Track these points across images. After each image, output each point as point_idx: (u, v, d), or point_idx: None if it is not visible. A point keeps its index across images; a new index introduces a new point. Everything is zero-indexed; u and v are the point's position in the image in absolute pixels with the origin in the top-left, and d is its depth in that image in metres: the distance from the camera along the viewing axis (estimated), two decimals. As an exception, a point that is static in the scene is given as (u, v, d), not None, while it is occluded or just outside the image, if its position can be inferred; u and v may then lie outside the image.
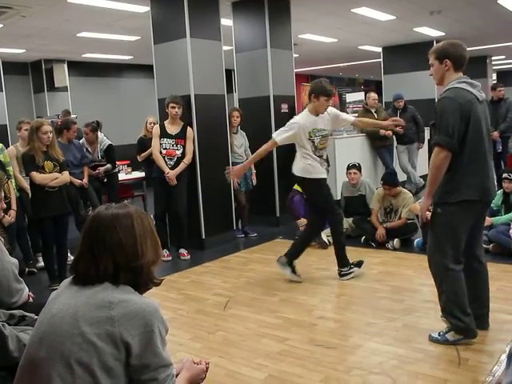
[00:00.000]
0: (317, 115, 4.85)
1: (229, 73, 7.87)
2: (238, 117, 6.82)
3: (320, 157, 4.95)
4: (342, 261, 5.02)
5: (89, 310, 1.56)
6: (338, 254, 5.03)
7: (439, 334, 3.53)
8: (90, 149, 6.86)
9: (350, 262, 5.05)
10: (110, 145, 6.94)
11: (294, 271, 4.99)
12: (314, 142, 4.85)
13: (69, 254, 5.34)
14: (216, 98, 6.50)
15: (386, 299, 4.38)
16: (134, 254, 1.66)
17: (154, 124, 7.12)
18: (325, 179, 5.04)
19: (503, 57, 16.40)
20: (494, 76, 18.53)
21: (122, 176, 7.70)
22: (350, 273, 4.98)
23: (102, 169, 6.75)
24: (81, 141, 6.86)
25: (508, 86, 15.37)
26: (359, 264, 5.08)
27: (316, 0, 7.81)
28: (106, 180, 6.87)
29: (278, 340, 3.66)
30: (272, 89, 7.37)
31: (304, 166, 4.89)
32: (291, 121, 4.92)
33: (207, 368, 1.95)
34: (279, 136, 4.84)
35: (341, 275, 4.98)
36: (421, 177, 9.79)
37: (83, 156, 6.46)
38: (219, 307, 4.37)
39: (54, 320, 1.59)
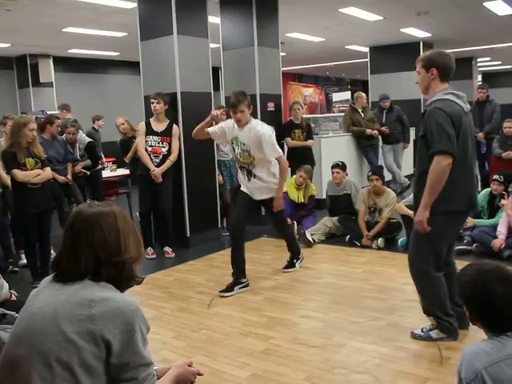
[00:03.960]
0: (240, 126, 4.70)
1: (215, 70, 7.84)
2: (223, 115, 6.78)
3: (241, 167, 4.85)
4: None
5: (69, 308, 1.55)
6: None
7: (422, 331, 3.57)
8: (70, 148, 6.78)
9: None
10: (90, 142, 6.90)
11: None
12: (234, 150, 4.83)
13: (52, 251, 5.29)
14: (202, 95, 6.48)
15: (370, 298, 4.40)
16: (117, 249, 1.66)
17: (123, 124, 7.10)
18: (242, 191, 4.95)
19: (488, 58, 16.56)
20: (480, 77, 18.70)
21: (106, 173, 7.65)
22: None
23: (79, 165, 6.68)
24: (63, 137, 6.79)
25: (494, 87, 15.60)
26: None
27: (304, -1, 7.83)
28: (88, 174, 6.81)
29: (262, 339, 3.66)
30: (259, 87, 7.36)
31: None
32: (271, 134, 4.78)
33: (198, 375, 1.92)
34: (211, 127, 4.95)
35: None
36: (406, 176, 9.86)
37: (67, 152, 6.39)
38: (203, 305, 4.36)
39: (34, 318, 1.58)
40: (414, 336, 3.59)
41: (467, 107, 3.35)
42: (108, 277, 1.64)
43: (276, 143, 4.80)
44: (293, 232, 5.70)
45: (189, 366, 1.90)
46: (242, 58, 7.45)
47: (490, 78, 18.99)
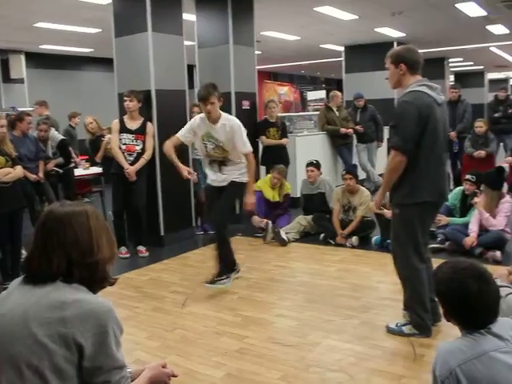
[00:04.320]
0: (211, 122, 4.55)
1: (190, 68, 7.79)
2: (198, 113, 6.72)
3: (211, 162, 4.72)
4: None
5: (40, 311, 1.51)
6: None
7: (396, 325, 3.63)
8: (42, 145, 6.66)
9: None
10: (63, 139, 6.79)
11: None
12: (206, 147, 4.63)
13: (22, 251, 5.19)
14: (177, 93, 6.43)
15: (345, 296, 4.42)
16: (90, 249, 1.62)
17: (92, 123, 7.02)
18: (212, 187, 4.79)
19: (461, 59, 16.79)
20: (452, 77, 18.96)
21: (79, 171, 7.53)
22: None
23: (51, 163, 6.56)
24: (34, 134, 6.66)
25: (466, 87, 15.82)
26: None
27: (279, -3, 7.83)
28: (61, 172, 6.69)
29: (237, 338, 3.64)
30: (234, 85, 7.33)
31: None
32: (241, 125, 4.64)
33: (172, 376, 1.89)
34: (180, 132, 4.73)
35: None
36: (380, 175, 9.93)
37: (39, 150, 6.28)
38: (177, 305, 4.32)
39: (3, 321, 1.54)
40: (388, 329, 3.65)
41: (441, 98, 3.42)
42: (80, 278, 1.60)
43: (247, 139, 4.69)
44: (229, 244, 4.81)
45: (163, 367, 1.87)
46: (217, 55, 7.42)
47: (462, 78, 19.26)
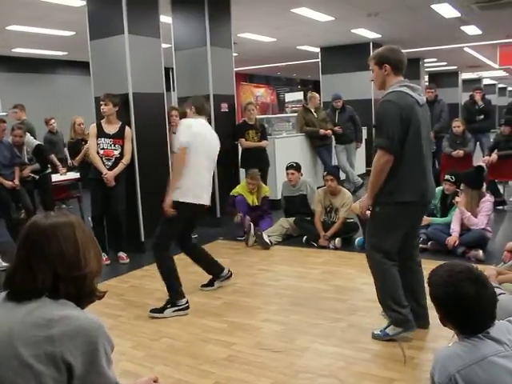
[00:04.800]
0: None
1: (166, 71, 7.70)
2: (177, 116, 6.66)
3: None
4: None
5: (25, 330, 1.42)
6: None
7: (380, 331, 3.59)
8: (18, 152, 6.50)
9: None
10: (39, 145, 6.64)
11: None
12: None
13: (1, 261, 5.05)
14: (155, 96, 6.33)
15: (330, 299, 4.38)
16: (76, 263, 1.53)
17: (82, 124, 6.89)
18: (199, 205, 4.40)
19: (435, 59, 16.97)
20: (426, 78, 19.17)
21: (56, 177, 7.37)
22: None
23: (27, 169, 6.40)
24: (9, 139, 6.50)
25: (440, 87, 16.00)
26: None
27: (256, -1, 7.79)
28: (37, 178, 6.54)
29: (224, 345, 3.58)
30: (212, 88, 7.27)
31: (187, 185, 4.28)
32: (186, 124, 4.34)
33: None
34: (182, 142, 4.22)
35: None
36: (359, 175, 9.98)
37: (14, 156, 6.15)
38: (161, 312, 4.23)
39: None
40: (374, 336, 3.61)
41: (422, 99, 3.42)
42: (67, 293, 1.51)
43: None
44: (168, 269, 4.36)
45: (154, 381, 1.80)
46: (194, 58, 7.35)
47: (436, 79, 19.47)
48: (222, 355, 3.42)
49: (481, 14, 9.46)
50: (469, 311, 1.84)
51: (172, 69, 7.67)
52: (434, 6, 8.90)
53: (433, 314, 3.69)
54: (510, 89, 34.18)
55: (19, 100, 9.01)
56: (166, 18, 7.33)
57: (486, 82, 26.30)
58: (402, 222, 3.45)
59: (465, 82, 22.42)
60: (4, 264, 6.16)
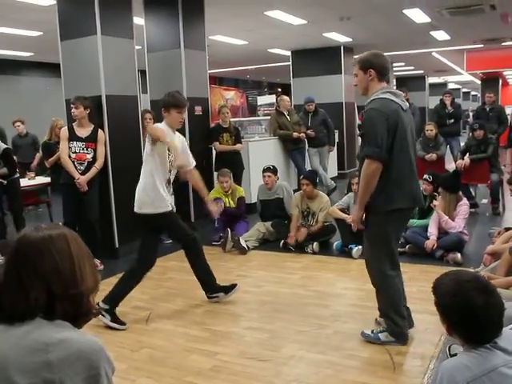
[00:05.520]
0: (173, 131, 4.23)
1: (139, 73, 7.55)
2: (150, 119, 6.52)
3: (168, 181, 4.20)
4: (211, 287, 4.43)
5: (20, 356, 1.29)
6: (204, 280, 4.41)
7: (372, 332, 3.57)
8: None
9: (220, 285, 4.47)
10: (7, 148, 6.38)
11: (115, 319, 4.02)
12: (168, 159, 4.13)
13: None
14: (129, 99, 6.17)
15: (312, 305, 4.32)
16: (73, 279, 1.40)
17: (62, 127, 6.68)
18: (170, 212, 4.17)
19: (403, 63, 17.16)
20: (394, 81, 19.39)
21: (24, 182, 7.13)
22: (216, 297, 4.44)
23: None
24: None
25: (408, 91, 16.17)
26: (227, 289, 4.44)
27: (230, 1, 7.68)
28: (5, 183, 6.28)
29: (208, 355, 3.47)
30: (186, 90, 7.14)
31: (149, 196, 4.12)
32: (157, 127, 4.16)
33: None
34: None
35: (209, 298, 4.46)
36: (331, 179, 9.97)
37: (-20, 160, 5.92)
38: (141, 321, 4.09)
39: None
40: (363, 335, 3.58)
41: (406, 105, 3.40)
42: (63, 313, 1.38)
43: None
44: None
45: None
46: (167, 60, 7.23)
47: (404, 82, 19.70)
48: (207, 365, 3.31)
49: (450, 19, 9.58)
50: (477, 321, 1.79)
51: (143, 71, 7.51)
52: (405, 11, 8.97)
53: (417, 318, 3.70)
54: (473, 93, 34.97)
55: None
56: (137, 20, 7.17)
57: (450, 86, 26.80)
58: (397, 228, 3.46)
59: (431, 86, 22.80)
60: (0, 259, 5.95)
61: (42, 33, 8.92)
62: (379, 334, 3.54)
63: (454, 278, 1.87)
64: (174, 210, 4.26)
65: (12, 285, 1.36)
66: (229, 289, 4.44)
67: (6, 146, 6.39)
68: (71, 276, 1.40)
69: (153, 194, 4.08)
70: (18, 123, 8.31)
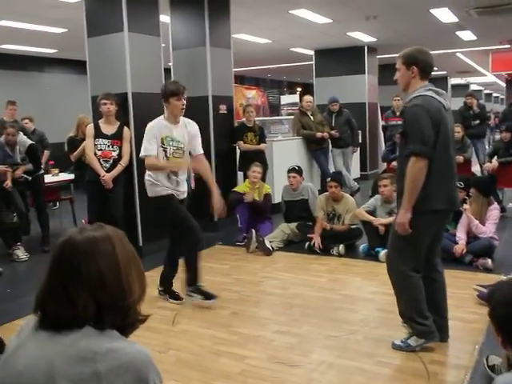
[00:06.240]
0: (174, 123, 4.29)
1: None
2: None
3: (169, 174, 4.30)
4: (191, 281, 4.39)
5: (68, 365, 1.21)
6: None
7: (402, 341, 3.46)
8: (9, 151, 6.24)
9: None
10: (32, 144, 6.37)
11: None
12: (166, 152, 4.24)
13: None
14: (154, 96, 6.09)
15: (341, 309, 4.23)
16: (120, 291, 1.31)
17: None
18: (169, 196, 4.31)
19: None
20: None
21: (48, 178, 7.12)
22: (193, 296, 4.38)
23: (20, 169, 6.14)
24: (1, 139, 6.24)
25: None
26: (207, 296, 4.37)
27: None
28: (30, 179, 6.27)
29: (236, 358, 3.40)
30: (211, 89, 7.08)
31: (147, 181, 4.35)
32: (147, 127, 4.30)
33: None
34: (148, 151, 4.19)
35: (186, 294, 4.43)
36: (355, 180, 9.86)
37: (5, 156, 5.92)
38: (167, 322, 4.04)
39: (22, 380, 1.23)
40: (394, 346, 3.47)
41: (448, 104, 3.29)
42: (112, 323, 1.30)
43: None
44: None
45: None
46: (192, 58, 7.17)
47: (426, 83, 19.48)
48: (236, 370, 3.25)
49: (477, 19, 9.42)
50: None
51: (167, 69, 7.47)
52: (432, 11, 8.82)
53: (453, 326, 3.59)
54: (495, 95, 34.53)
55: (4, 98, 8.75)
56: (163, 17, 7.13)
57: (473, 87, 26.45)
58: (431, 231, 3.32)
59: (453, 87, 22.51)
60: (24, 255, 5.92)
61: (66, 30, 8.93)
62: (408, 341, 3.43)
63: (509, 287, 1.78)
64: (181, 197, 4.41)
65: (57, 292, 1.28)
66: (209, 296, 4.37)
67: (31, 142, 6.38)
68: (118, 287, 1.31)
69: (151, 180, 4.31)
70: (26, 120, 8.21)
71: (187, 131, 4.36)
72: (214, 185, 4.45)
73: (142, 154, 4.24)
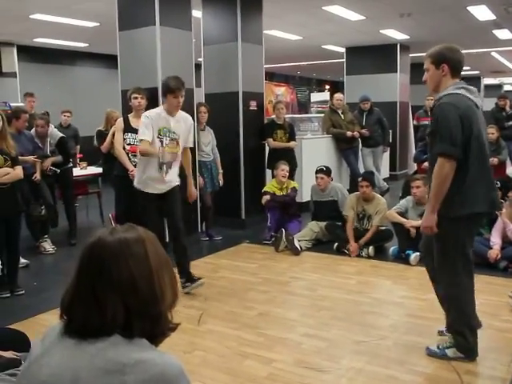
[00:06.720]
0: (172, 115, 4.47)
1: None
2: (205, 113, 6.42)
3: (161, 165, 4.45)
4: None
5: (95, 377, 1.13)
6: None
7: (438, 348, 3.33)
8: (39, 143, 6.25)
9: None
10: (62, 137, 6.37)
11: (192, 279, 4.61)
12: (162, 142, 4.41)
13: (21, 259, 4.82)
14: (185, 92, 6.06)
15: (371, 314, 4.11)
16: (152, 296, 1.23)
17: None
18: (148, 196, 4.57)
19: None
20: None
21: (77, 171, 7.13)
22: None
23: (48, 161, 6.12)
24: (31, 131, 6.25)
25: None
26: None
27: (289, -6, 7.52)
28: (58, 172, 6.27)
29: (263, 361, 3.31)
30: (241, 85, 7.00)
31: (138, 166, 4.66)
32: (142, 117, 4.50)
33: None
34: (144, 135, 4.36)
35: None
36: (384, 180, 9.69)
37: (35, 148, 5.92)
38: (193, 322, 3.97)
39: None
40: (429, 352, 3.35)
41: (480, 102, 3.16)
42: (142, 331, 1.22)
43: None
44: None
45: None
46: (224, 53, 7.10)
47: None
48: (263, 373, 3.16)
49: (516, 17, 9.16)
50: None
51: (198, 64, 7.42)
52: (469, 8, 8.59)
53: (483, 335, 3.45)
54: (529, 96, 33.69)
55: (39, 91, 8.81)
56: (194, 12, 7.07)
57: (506, 88, 25.87)
58: (471, 234, 3.22)
59: (486, 87, 22.04)
60: (51, 248, 5.96)
61: (98, 24, 8.94)
62: (446, 350, 3.30)
63: None
64: (166, 190, 4.57)
65: (85, 297, 1.20)
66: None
67: (61, 134, 6.39)
68: (150, 291, 1.24)
69: (138, 174, 4.58)
70: (68, 113, 8.30)
71: (183, 124, 4.56)
72: (190, 176, 4.87)
73: (140, 136, 4.39)
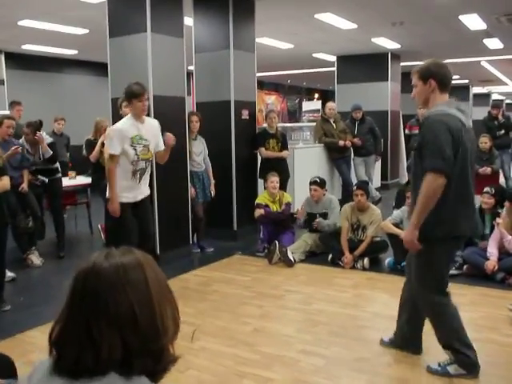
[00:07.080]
0: (140, 121, 4.44)
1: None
2: (197, 121, 6.31)
3: (135, 172, 4.44)
4: None
5: None
6: None
7: (439, 365, 3.24)
8: (30, 150, 6.11)
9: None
10: (51, 143, 6.24)
11: None
12: (136, 150, 4.39)
13: (7, 272, 4.66)
14: (176, 100, 5.97)
15: (368, 329, 4.01)
16: (153, 330, 1.10)
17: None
18: (122, 205, 4.44)
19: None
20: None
21: (65, 182, 6.96)
22: None
23: (27, 176, 5.88)
24: (20, 140, 6.10)
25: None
26: None
27: (281, 2, 7.42)
28: (47, 182, 6.12)
29: (261, 381, 3.19)
30: (233, 93, 6.89)
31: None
32: (110, 128, 4.55)
33: None
34: (113, 148, 4.31)
35: None
36: (376, 189, 9.62)
37: (24, 158, 5.77)
38: (186, 338, 3.73)
39: None
40: (430, 370, 3.25)
41: (469, 123, 3.06)
42: (142, 368, 1.09)
43: None
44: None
45: None
46: (215, 61, 6.98)
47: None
48: (260, 394, 3.04)
49: (507, 26, 9.16)
50: None
51: (189, 72, 7.31)
52: (461, 17, 8.57)
53: (483, 348, 3.36)
54: (516, 105, 33.98)
55: (27, 98, 8.66)
56: (185, 20, 6.96)
57: (494, 96, 26.03)
58: (450, 256, 3.22)
59: (475, 96, 22.13)
60: (38, 261, 5.80)
61: (88, 31, 8.80)
62: (447, 367, 3.20)
63: None
64: (139, 198, 4.57)
65: (78, 333, 1.07)
66: None
67: (51, 139, 6.28)
68: (151, 327, 1.11)
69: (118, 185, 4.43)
70: (62, 121, 8.19)
71: (152, 129, 4.57)
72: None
73: (110, 151, 4.31)
